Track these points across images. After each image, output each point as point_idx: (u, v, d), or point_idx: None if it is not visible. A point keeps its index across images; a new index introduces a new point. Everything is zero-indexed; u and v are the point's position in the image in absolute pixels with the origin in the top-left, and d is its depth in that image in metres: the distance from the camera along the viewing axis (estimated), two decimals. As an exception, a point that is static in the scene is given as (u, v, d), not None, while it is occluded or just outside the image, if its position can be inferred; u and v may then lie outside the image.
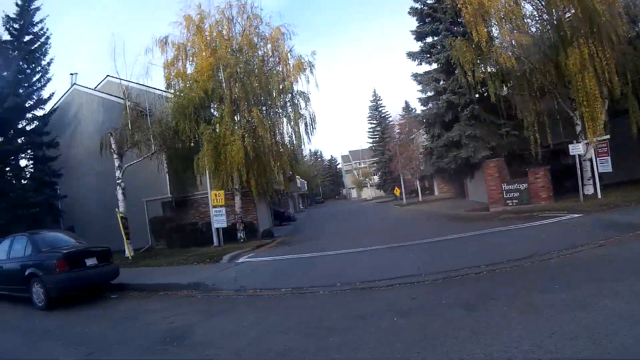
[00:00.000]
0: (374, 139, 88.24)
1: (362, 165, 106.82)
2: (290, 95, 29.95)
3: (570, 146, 22.58)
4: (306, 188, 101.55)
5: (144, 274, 18.70)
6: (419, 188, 59.32)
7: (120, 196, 26.77)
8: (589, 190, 23.87)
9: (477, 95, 30.17)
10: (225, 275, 15.90)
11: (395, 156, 58.08)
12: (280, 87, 29.40)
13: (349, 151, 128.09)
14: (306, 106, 30.32)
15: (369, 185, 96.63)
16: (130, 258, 24.23)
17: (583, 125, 23.05)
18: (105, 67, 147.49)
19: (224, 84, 27.23)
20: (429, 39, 34.29)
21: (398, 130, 62.63)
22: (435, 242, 17.79)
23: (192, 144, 27.10)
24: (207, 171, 26.51)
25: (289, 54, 30.02)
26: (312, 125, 30.78)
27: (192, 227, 30.39)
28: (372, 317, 8.71)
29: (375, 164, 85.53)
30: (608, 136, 22.47)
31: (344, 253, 18.16)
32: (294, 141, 30.42)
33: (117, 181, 26.85)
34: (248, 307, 11.48)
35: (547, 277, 9.94)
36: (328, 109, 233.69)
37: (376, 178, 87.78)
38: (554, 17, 23.34)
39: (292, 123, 29.97)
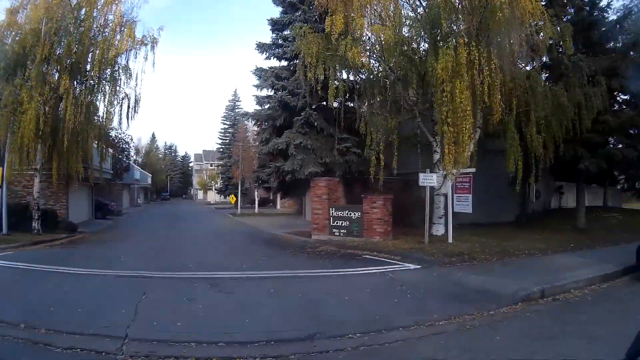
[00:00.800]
0: (224, 141, 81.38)
1: (211, 167, 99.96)
2: (111, 68, 25.20)
3: (421, 175, 17.79)
4: (149, 182, 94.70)
5: None
6: (256, 199, 54.37)
7: None
8: (439, 230, 19.50)
9: (321, 102, 25.72)
10: None
11: (237, 161, 53.16)
12: (104, 58, 23.93)
13: (203, 150, 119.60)
14: (135, 84, 26.32)
15: (213, 189, 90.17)
16: None
17: (443, 152, 17.72)
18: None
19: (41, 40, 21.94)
20: (287, 32, 29.41)
21: (254, 135, 57.57)
22: (211, 279, 12.25)
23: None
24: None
25: (132, 24, 25.41)
26: (134, 108, 26.27)
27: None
28: None
29: (220, 167, 79.03)
30: (473, 169, 17.89)
31: (85, 274, 13.09)
32: (104, 122, 26.72)
33: None
34: None
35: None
36: (191, 102, 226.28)
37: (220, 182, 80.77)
38: (430, 13, 18.35)
39: (106, 101, 25.18)
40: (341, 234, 20.84)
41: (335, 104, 22.01)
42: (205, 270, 13.79)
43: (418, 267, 13.89)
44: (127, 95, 25.96)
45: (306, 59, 20.34)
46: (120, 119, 26.10)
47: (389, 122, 20.54)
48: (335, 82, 20.74)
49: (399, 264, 14.47)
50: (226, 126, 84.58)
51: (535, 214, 28.86)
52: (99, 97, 25.37)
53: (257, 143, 35.48)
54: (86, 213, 38.46)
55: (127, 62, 25.44)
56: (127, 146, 54.81)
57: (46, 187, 26.99)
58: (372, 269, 13.69)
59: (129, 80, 25.50)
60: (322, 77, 20.36)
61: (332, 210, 21.39)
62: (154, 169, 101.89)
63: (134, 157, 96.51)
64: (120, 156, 52.81)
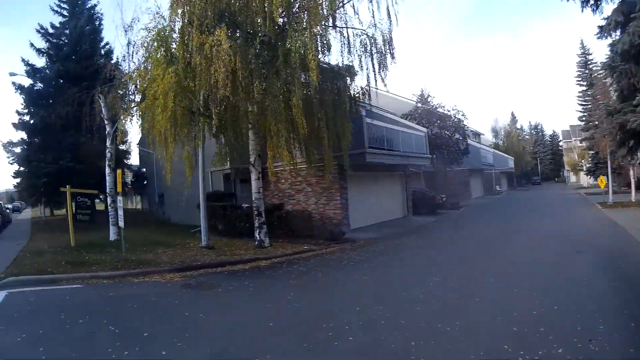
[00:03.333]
0: (585, 107, 59.96)
1: (580, 144, 78.95)
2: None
3: None
4: (511, 165, 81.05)
5: None
6: (632, 181, 35.58)
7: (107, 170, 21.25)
8: None
9: None
10: None
11: (600, 127, 36.56)
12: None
13: (570, 126, 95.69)
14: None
15: (584, 169, 70.19)
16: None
17: None
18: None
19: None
20: None
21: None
22: None
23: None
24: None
25: None
26: (390, 50, 18.51)
27: (238, 211, 22.99)
28: None
29: (585, 141, 58.33)
30: None
31: None
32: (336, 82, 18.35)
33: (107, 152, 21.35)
34: None
35: None
36: (545, 72, 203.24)
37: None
38: None
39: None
40: None
41: None
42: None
43: None
44: (371, 38, 18.36)
45: None
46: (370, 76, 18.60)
47: None
48: None
49: None
50: (583, 88, 64.52)
51: None
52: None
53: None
54: (398, 209, 30.67)
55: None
56: (461, 124, 42.87)
57: (315, 183, 23.16)
58: None
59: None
60: None
61: None
62: (517, 151, 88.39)
63: (493, 140, 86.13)
64: (458, 137, 42.20)
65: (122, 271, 13.89)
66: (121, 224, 17.34)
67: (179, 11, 16.16)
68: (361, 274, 13.20)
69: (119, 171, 18.95)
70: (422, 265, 14.34)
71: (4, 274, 13.34)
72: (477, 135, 64.07)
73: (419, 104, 43.25)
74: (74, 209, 20.51)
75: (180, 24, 16.18)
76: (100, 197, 30.26)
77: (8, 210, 46.51)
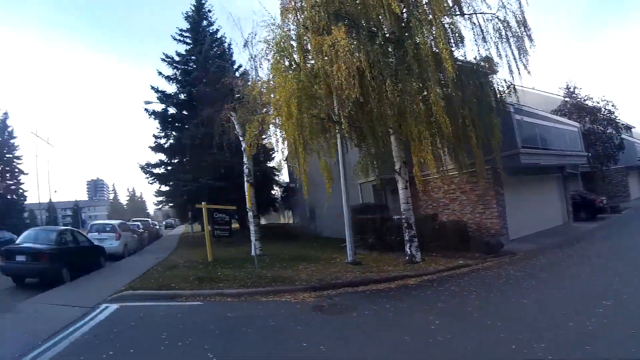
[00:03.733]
0: None
1: None
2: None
3: None
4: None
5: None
6: None
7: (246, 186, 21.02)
8: None
9: None
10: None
11: None
12: None
13: None
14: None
15: None
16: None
17: None
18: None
19: None
20: None
21: None
22: None
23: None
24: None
25: None
26: (526, 32, 16.56)
27: (388, 223, 21.15)
28: None
29: None
30: None
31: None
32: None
33: (245, 168, 21.37)
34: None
35: None
36: None
37: None
38: None
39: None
40: None
41: None
42: None
43: None
44: (503, 21, 16.30)
45: None
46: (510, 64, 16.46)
47: None
48: None
49: None
50: None
51: None
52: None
53: None
54: (557, 215, 27.47)
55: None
56: (612, 116, 38.97)
57: (469, 191, 21.16)
58: None
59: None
60: None
61: None
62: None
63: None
64: (611, 131, 38.95)
65: (251, 289, 13.16)
66: (252, 238, 19.04)
67: (290, 17, 16.09)
68: (520, 295, 11.20)
69: (247, 185, 20.31)
70: (589, 283, 12.01)
71: (125, 287, 13.54)
72: (627, 128, 58.78)
73: (567, 99, 39.79)
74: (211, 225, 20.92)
75: (296, 30, 15.95)
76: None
77: (157, 227, 51.55)
